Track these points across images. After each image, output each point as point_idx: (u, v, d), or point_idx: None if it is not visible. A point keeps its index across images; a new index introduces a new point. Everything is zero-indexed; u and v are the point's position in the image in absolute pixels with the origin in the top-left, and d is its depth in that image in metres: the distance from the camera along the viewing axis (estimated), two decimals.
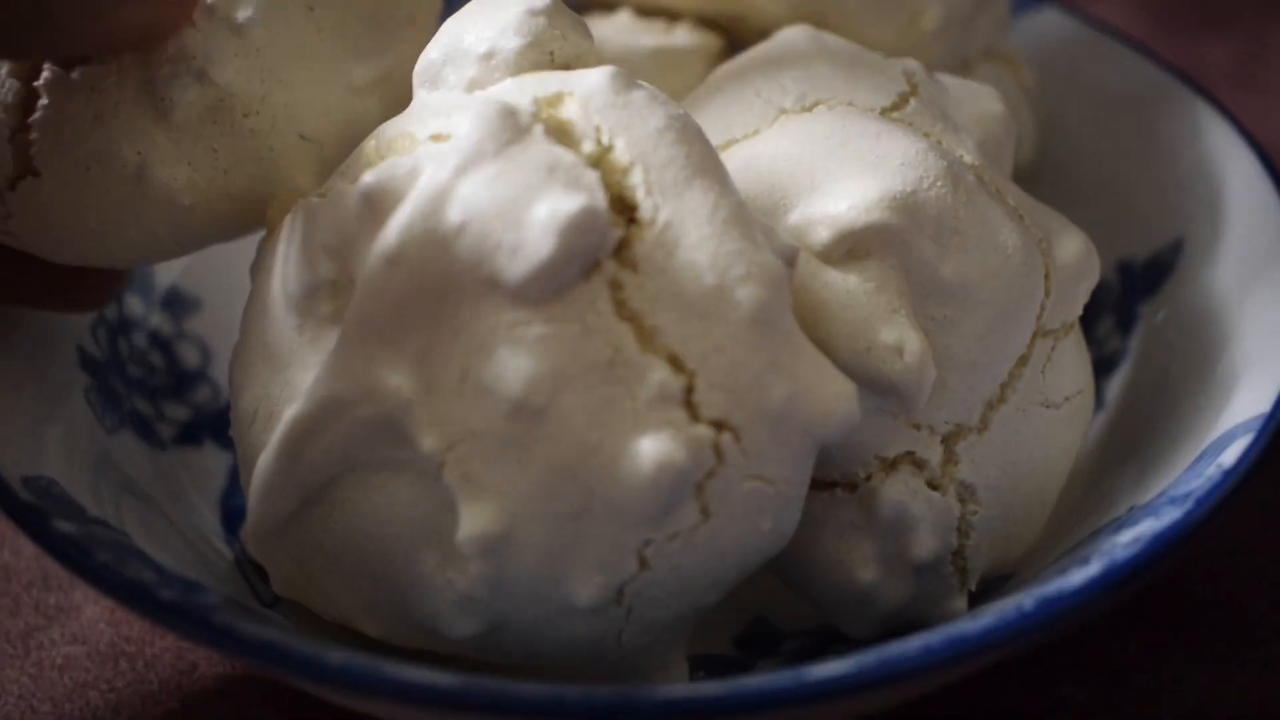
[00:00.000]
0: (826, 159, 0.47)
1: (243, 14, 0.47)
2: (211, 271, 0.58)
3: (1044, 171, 0.60)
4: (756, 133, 0.49)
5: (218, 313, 0.61)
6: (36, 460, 0.48)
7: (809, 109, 0.50)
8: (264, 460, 0.45)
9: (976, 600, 0.48)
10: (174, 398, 0.58)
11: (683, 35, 0.56)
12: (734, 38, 0.57)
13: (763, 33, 0.54)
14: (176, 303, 0.61)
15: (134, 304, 0.59)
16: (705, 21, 0.58)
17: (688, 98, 0.52)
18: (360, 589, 0.46)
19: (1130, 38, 0.65)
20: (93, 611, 0.54)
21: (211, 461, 0.57)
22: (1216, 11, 0.85)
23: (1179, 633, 0.52)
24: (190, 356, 0.60)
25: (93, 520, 0.46)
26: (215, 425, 0.58)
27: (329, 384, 0.43)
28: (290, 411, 0.44)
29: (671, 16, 0.58)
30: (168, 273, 0.60)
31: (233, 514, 0.55)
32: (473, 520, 0.42)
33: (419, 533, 0.44)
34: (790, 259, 0.44)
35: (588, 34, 0.47)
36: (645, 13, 0.59)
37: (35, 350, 0.53)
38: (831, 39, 0.52)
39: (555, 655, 0.45)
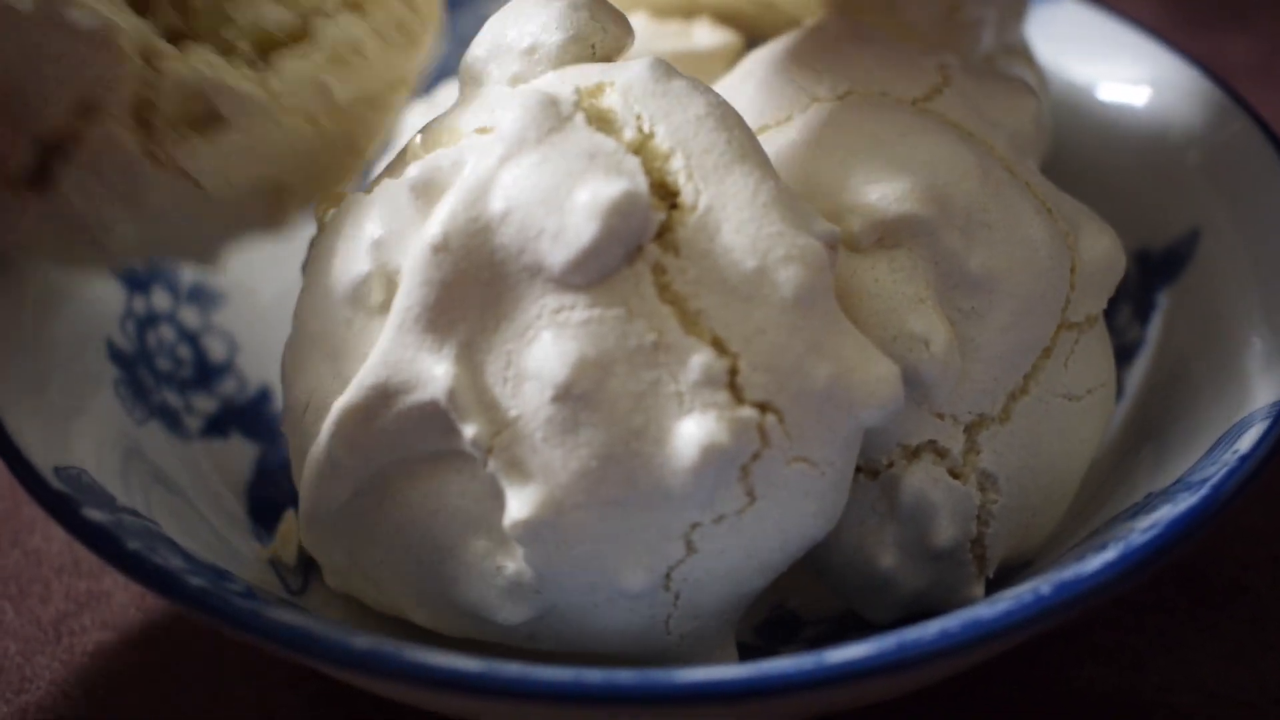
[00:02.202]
0: (858, 148, 0.48)
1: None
2: (237, 265, 0.59)
3: (1062, 162, 0.60)
4: (789, 120, 0.50)
5: (244, 306, 0.62)
6: (67, 450, 0.49)
7: (842, 97, 0.50)
8: (315, 450, 0.46)
9: (994, 587, 0.48)
10: (201, 390, 0.59)
11: (702, 36, 0.57)
12: (753, 34, 0.58)
13: (794, 22, 0.55)
14: (203, 296, 0.62)
15: (161, 298, 0.60)
16: (722, 18, 0.59)
17: (721, 83, 0.53)
18: (410, 578, 0.47)
19: (1148, 29, 0.65)
20: (123, 598, 0.55)
21: (238, 453, 0.58)
22: (1236, 6, 0.85)
23: (1195, 617, 0.52)
24: (217, 349, 0.61)
25: (122, 509, 0.47)
26: (242, 417, 0.59)
27: (377, 373, 0.44)
28: (340, 401, 0.45)
29: (687, 14, 0.58)
30: (194, 267, 0.61)
31: (259, 505, 0.56)
32: (519, 506, 0.43)
33: (467, 520, 0.45)
34: (831, 243, 0.44)
35: (628, 27, 0.48)
36: (661, 12, 0.59)
37: (66, 343, 0.54)
38: (866, 29, 0.52)
39: (604, 642, 0.46)
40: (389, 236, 0.46)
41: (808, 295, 0.43)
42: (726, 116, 0.45)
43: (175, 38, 0.48)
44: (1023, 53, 0.61)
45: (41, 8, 0.44)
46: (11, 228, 0.49)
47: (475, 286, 0.43)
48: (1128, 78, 0.63)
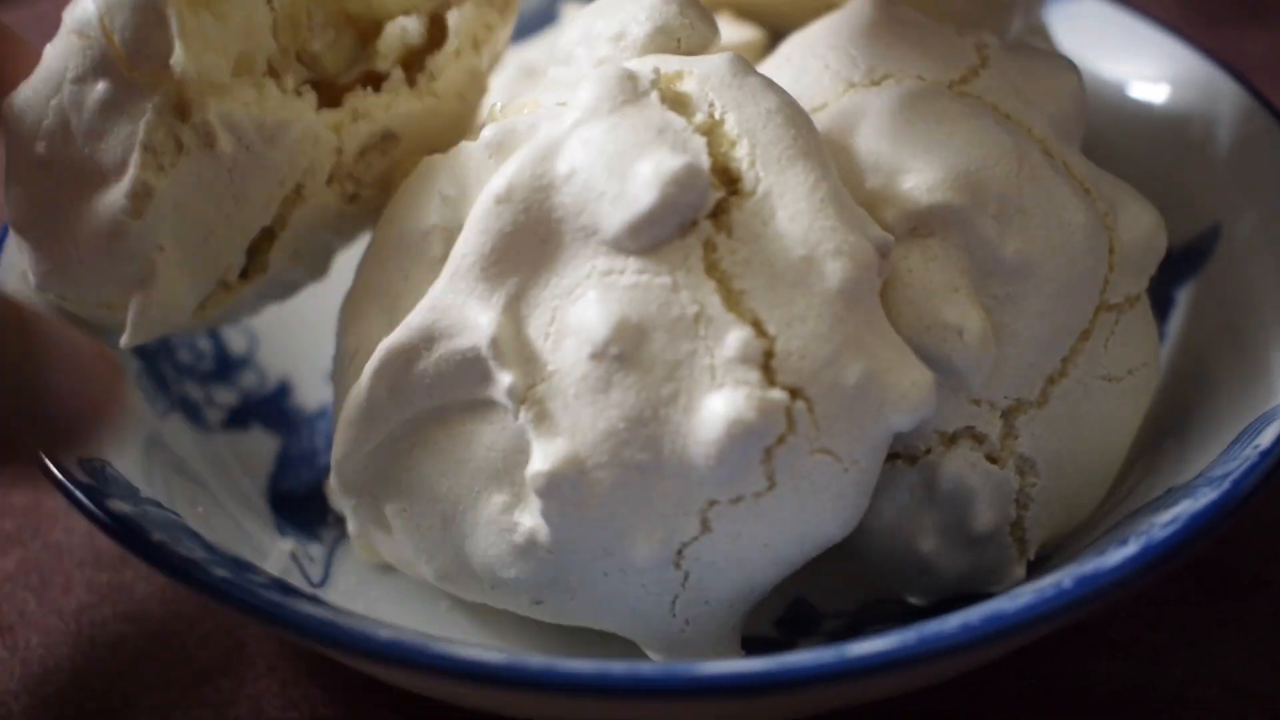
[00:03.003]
0: (893, 135, 0.48)
1: None
2: None
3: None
4: (825, 106, 0.50)
5: None
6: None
7: (877, 83, 0.50)
8: (356, 390, 0.47)
9: (1035, 568, 0.49)
10: (222, 382, 0.59)
11: (725, 31, 0.57)
12: (779, 26, 0.58)
13: (829, 6, 0.55)
14: None
15: None
16: (746, 12, 0.59)
17: (760, 69, 0.53)
18: (428, 529, 0.47)
19: (1168, 25, 0.65)
20: (144, 590, 0.55)
21: (259, 445, 0.58)
22: (1253, 2, 0.84)
23: (1216, 610, 0.52)
24: (237, 342, 0.61)
25: (146, 500, 0.47)
26: (262, 409, 0.59)
27: (425, 316, 0.45)
28: (386, 341, 0.46)
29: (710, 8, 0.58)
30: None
31: (280, 497, 0.56)
32: (543, 458, 0.43)
33: (493, 472, 0.45)
34: (884, 249, 0.45)
35: (714, 26, 0.50)
36: None
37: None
38: (903, 9, 0.53)
39: (608, 618, 0.46)
40: (458, 193, 0.48)
41: (852, 290, 0.43)
42: (796, 116, 0.46)
43: (335, 88, 0.50)
44: (1042, 33, 0.62)
45: (240, 151, 0.47)
46: (221, 315, 0.52)
47: (532, 241, 0.44)
48: (1149, 74, 0.63)
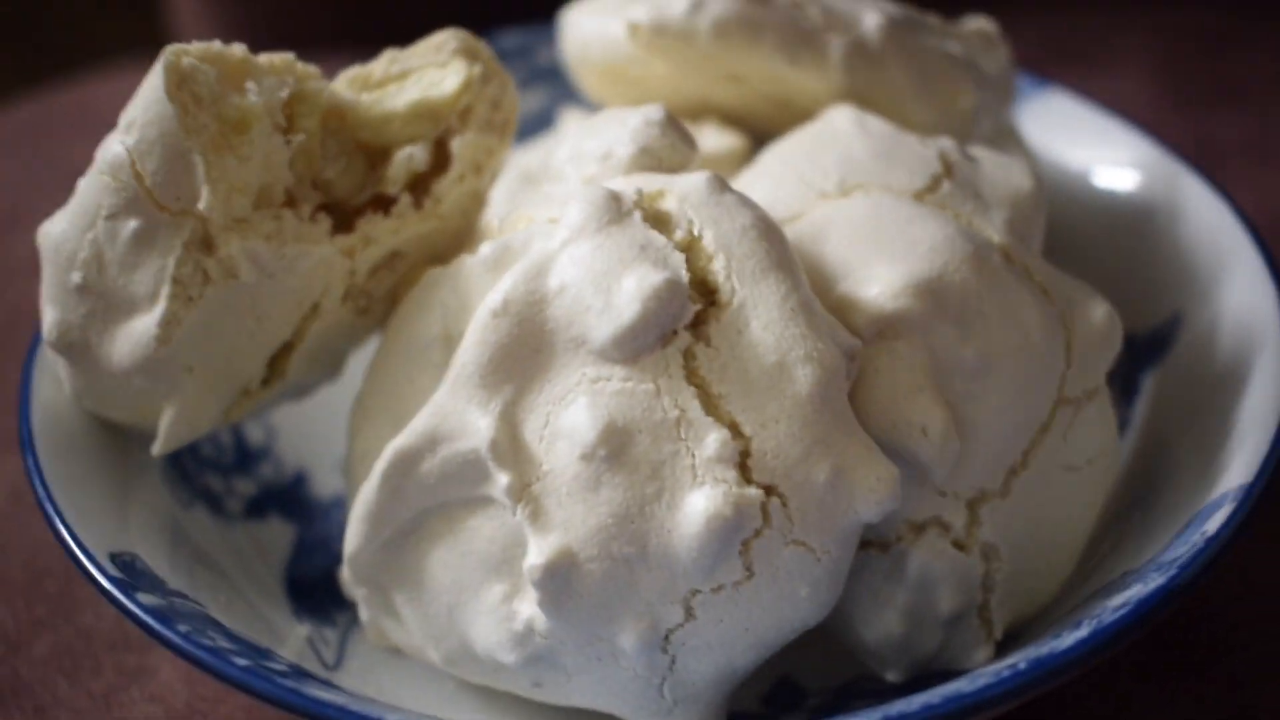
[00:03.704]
0: (861, 244, 0.52)
1: None
2: None
3: (1051, 248, 0.63)
4: (800, 216, 0.54)
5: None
6: (122, 536, 0.53)
7: (847, 193, 0.54)
8: (367, 487, 0.51)
9: (1006, 645, 0.51)
10: (241, 474, 0.63)
11: (710, 139, 0.60)
12: (765, 132, 0.61)
13: (808, 114, 0.59)
14: None
15: None
16: (732, 119, 0.62)
17: (735, 180, 0.56)
18: (434, 617, 0.51)
19: (1133, 118, 0.67)
20: (169, 673, 0.58)
21: (276, 533, 0.62)
22: (1228, 86, 0.87)
23: (1172, 681, 0.55)
24: (256, 435, 0.64)
25: (172, 592, 0.51)
26: (279, 499, 0.63)
27: (429, 420, 0.49)
28: (394, 443, 0.50)
29: (694, 116, 0.61)
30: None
31: (296, 583, 0.59)
32: (539, 551, 0.47)
33: (493, 565, 0.49)
34: (851, 353, 0.49)
35: (694, 146, 0.54)
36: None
37: (118, 435, 0.57)
38: (872, 121, 0.56)
39: (603, 699, 0.49)
40: (458, 305, 0.52)
41: (821, 393, 0.47)
42: (769, 231, 0.49)
43: (347, 210, 0.54)
44: (1011, 134, 0.65)
45: (262, 278, 0.51)
46: (242, 417, 0.56)
47: (526, 351, 0.48)
48: (1114, 166, 0.66)
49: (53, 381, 0.56)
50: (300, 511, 0.63)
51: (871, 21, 0.59)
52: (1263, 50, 0.89)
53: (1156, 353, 0.61)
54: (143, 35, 1.45)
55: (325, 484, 0.64)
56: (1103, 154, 0.67)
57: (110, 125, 0.52)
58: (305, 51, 0.55)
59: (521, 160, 0.65)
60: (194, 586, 0.53)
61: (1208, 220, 0.62)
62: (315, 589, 0.59)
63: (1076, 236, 0.65)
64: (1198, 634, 0.57)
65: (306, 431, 0.64)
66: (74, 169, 0.82)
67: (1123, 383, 0.61)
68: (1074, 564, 0.54)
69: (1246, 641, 0.56)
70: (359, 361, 0.58)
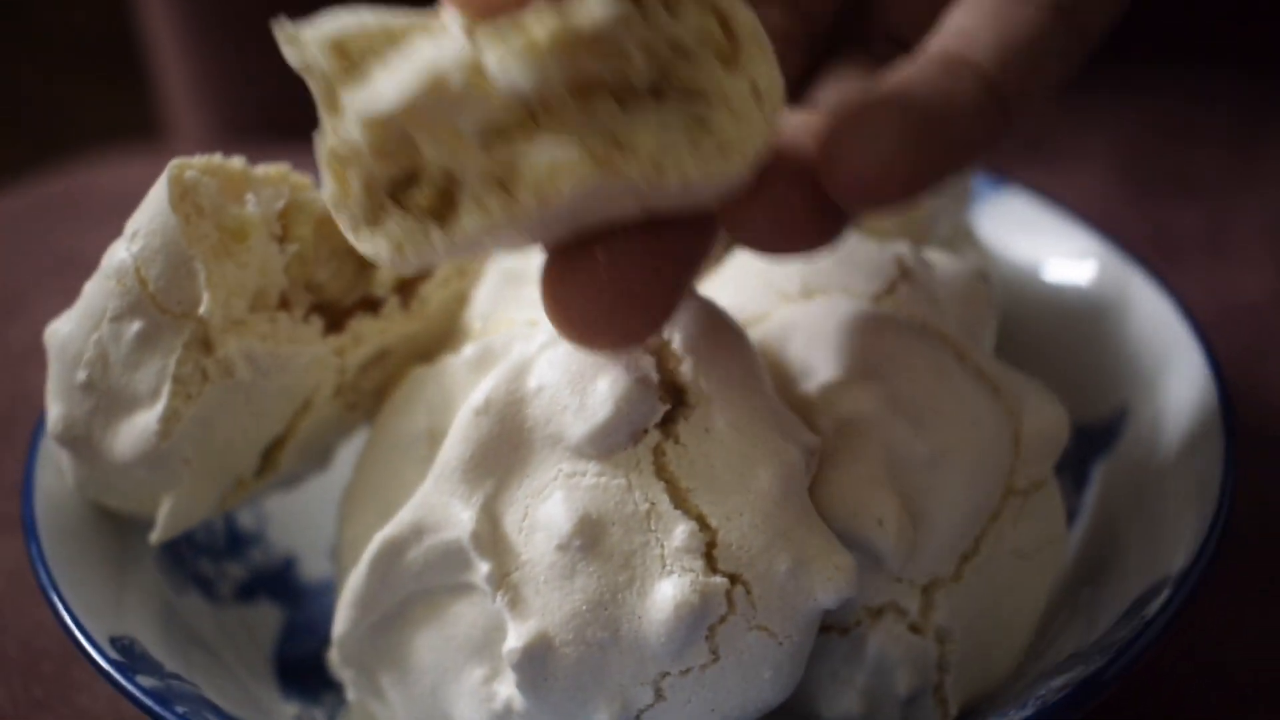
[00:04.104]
0: (821, 345, 0.55)
1: None
2: None
3: (1004, 342, 0.65)
4: (765, 317, 0.57)
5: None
6: (120, 620, 0.55)
7: (809, 296, 0.57)
8: (355, 574, 0.53)
9: None
10: (232, 558, 0.65)
11: None
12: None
13: None
14: None
15: None
16: None
17: (704, 285, 0.59)
18: (418, 698, 0.53)
19: (1090, 210, 0.70)
20: None
21: (266, 616, 0.64)
22: (1187, 178, 0.89)
23: None
24: (247, 521, 0.67)
25: (169, 674, 0.53)
26: (269, 582, 0.65)
27: (415, 512, 0.52)
28: (381, 534, 0.53)
29: None
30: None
31: (285, 663, 0.62)
32: (518, 635, 0.49)
33: (474, 648, 0.52)
34: (811, 449, 0.52)
35: None
36: None
37: (115, 523, 0.60)
38: None
39: None
40: (442, 402, 0.55)
41: (782, 489, 0.50)
42: (737, 339, 0.53)
43: (337, 309, 0.57)
44: (968, 235, 0.68)
45: (257, 377, 0.54)
46: (235, 505, 0.59)
47: (506, 448, 0.51)
48: (1067, 262, 0.69)
49: (54, 471, 0.58)
50: (289, 595, 0.65)
51: None
52: (1218, 142, 0.92)
53: (1105, 443, 0.64)
54: (135, 120, 1.48)
55: (313, 568, 0.66)
56: (1055, 251, 0.70)
57: (102, 215, 0.54)
58: (294, 139, 0.58)
59: (504, 263, 0.68)
60: (189, 668, 0.55)
61: (1154, 316, 0.64)
62: (303, 670, 0.61)
63: (1029, 331, 0.68)
64: (1146, 711, 0.59)
65: (296, 518, 0.67)
66: (67, 257, 0.85)
67: (1074, 472, 0.64)
68: (1026, 644, 0.56)
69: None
70: (347, 452, 0.60)
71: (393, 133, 0.44)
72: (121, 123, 1.52)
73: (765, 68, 0.44)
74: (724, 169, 0.44)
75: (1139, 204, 0.87)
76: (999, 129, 0.45)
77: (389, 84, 0.43)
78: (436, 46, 0.43)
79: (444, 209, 0.44)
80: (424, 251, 0.44)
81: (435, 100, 0.42)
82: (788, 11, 0.54)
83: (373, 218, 0.45)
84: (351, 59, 0.44)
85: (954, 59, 0.45)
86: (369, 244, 0.45)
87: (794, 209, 0.46)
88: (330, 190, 0.45)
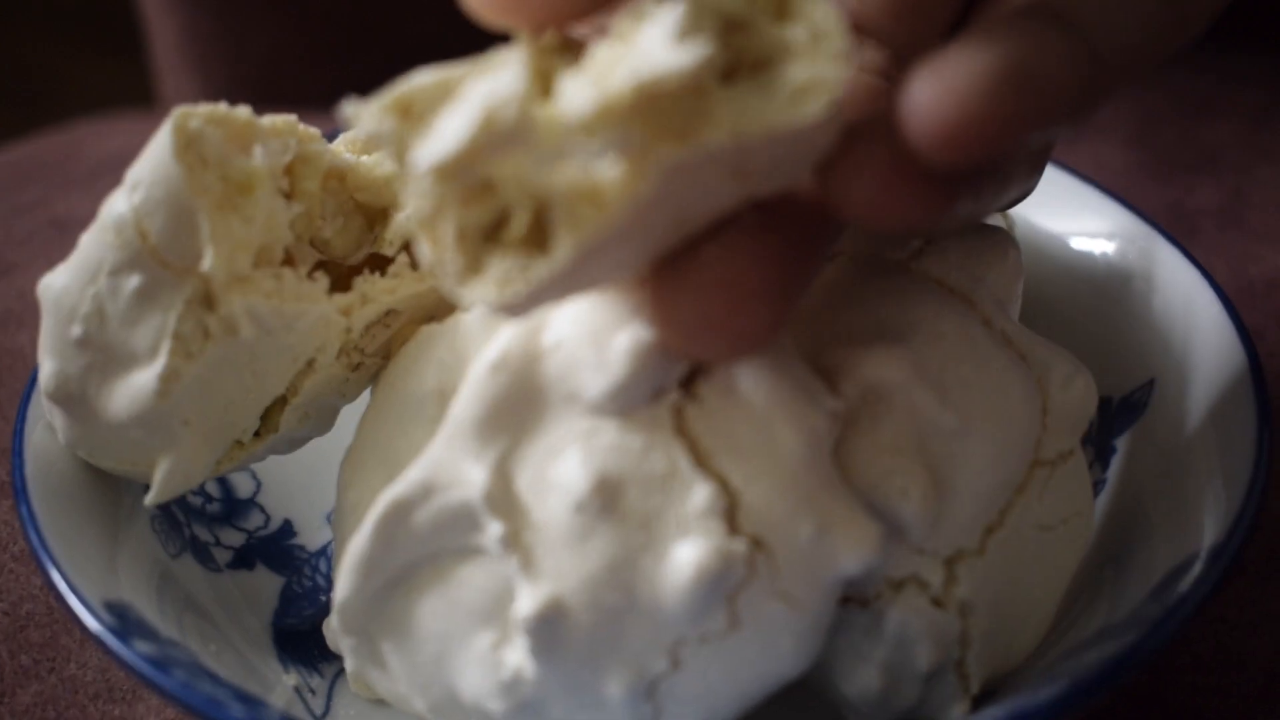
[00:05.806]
0: (845, 310, 0.53)
1: None
2: None
3: (1028, 313, 0.64)
4: None
5: None
6: (114, 585, 0.53)
7: (832, 258, 0.55)
8: (358, 537, 0.51)
9: (984, 700, 0.53)
10: (228, 524, 0.64)
11: None
12: None
13: None
14: None
15: None
16: None
17: None
18: (422, 665, 0.52)
19: (1111, 184, 0.69)
20: None
21: (263, 583, 0.62)
22: (1204, 152, 0.89)
23: None
24: (243, 486, 0.65)
25: (165, 640, 0.51)
26: (266, 549, 0.64)
27: (424, 471, 0.50)
28: (387, 493, 0.51)
29: None
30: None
31: (282, 633, 0.60)
32: (529, 599, 0.48)
33: (482, 613, 0.50)
34: (835, 415, 0.50)
35: None
36: None
37: (108, 484, 0.58)
38: None
39: None
40: (454, 360, 0.52)
41: (805, 453, 0.48)
42: None
43: (343, 267, 0.55)
44: None
45: (261, 335, 0.52)
46: (233, 468, 0.57)
47: (520, 405, 0.49)
48: (1090, 233, 0.68)
49: (44, 430, 0.57)
50: (287, 562, 0.64)
51: None
52: (1238, 117, 0.91)
53: (1131, 416, 0.62)
54: (131, 89, 1.47)
55: (312, 535, 0.65)
56: (1080, 221, 0.68)
57: (93, 174, 0.52)
58: (292, 107, 0.56)
59: None
60: (184, 635, 0.54)
61: (1181, 286, 0.63)
62: (302, 639, 0.59)
63: (1053, 302, 0.66)
64: (1170, 694, 0.58)
65: (293, 482, 0.65)
66: (56, 218, 0.83)
67: (1099, 445, 0.62)
68: (1049, 621, 0.55)
69: (1218, 706, 0.58)
70: (346, 415, 0.59)
71: (469, 176, 0.43)
72: (117, 92, 1.51)
73: (815, 7, 0.43)
74: (801, 112, 0.42)
75: (1159, 177, 0.86)
76: (1093, 93, 0.43)
77: (448, 130, 0.43)
78: (491, 81, 0.43)
79: (543, 239, 0.44)
80: (531, 282, 0.43)
81: (496, 135, 0.42)
82: None
83: (473, 265, 0.44)
84: (419, 119, 0.44)
85: (1049, 9, 0.43)
86: (476, 293, 0.44)
87: (884, 168, 0.43)
88: (427, 253, 0.44)
